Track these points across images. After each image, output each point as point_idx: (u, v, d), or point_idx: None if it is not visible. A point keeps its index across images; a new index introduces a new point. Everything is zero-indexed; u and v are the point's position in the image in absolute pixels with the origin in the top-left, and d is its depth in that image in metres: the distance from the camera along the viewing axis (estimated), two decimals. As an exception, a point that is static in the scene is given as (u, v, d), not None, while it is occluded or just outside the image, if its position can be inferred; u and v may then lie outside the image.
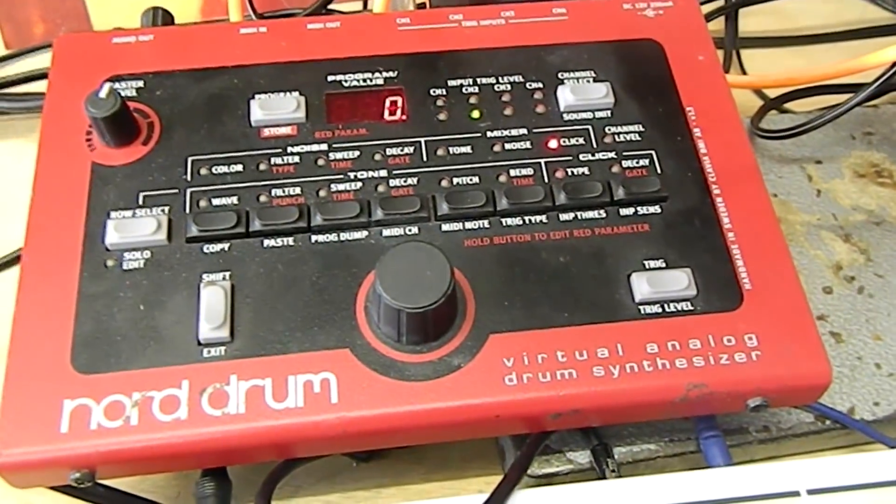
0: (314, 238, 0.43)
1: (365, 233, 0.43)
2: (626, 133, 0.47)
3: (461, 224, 0.44)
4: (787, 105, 0.64)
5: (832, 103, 0.58)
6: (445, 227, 0.44)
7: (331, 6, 0.64)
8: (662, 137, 0.47)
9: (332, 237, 0.43)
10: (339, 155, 0.46)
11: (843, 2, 0.75)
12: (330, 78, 0.48)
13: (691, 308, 0.42)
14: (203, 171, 0.45)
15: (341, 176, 0.45)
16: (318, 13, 0.62)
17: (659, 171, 0.46)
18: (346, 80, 0.48)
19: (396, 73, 0.48)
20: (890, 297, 0.53)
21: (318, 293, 0.42)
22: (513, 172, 0.45)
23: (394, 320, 0.39)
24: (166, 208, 0.44)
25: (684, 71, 0.49)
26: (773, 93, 0.65)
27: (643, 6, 0.51)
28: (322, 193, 0.44)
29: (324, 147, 0.46)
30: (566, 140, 0.47)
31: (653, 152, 0.46)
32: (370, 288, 0.41)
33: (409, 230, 0.44)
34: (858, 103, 0.55)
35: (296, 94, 0.47)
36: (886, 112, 0.63)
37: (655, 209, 0.45)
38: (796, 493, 0.40)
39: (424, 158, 0.46)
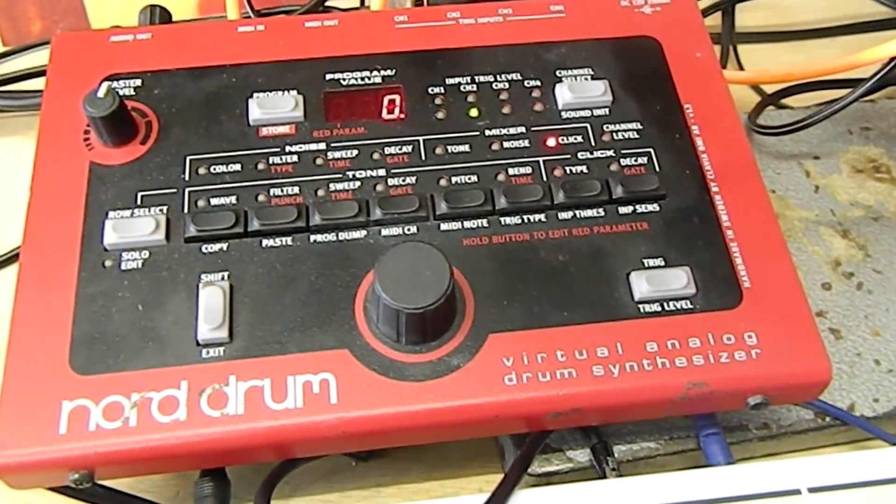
0: (313, 238, 0.43)
1: (364, 232, 0.43)
2: (625, 131, 0.47)
3: (460, 223, 0.44)
4: (785, 101, 0.64)
5: (830, 99, 0.58)
6: (444, 226, 0.44)
7: (328, 3, 0.64)
8: (661, 135, 0.47)
9: (331, 237, 0.43)
10: (337, 154, 0.45)
11: (841, -3, 0.75)
12: (328, 76, 0.48)
13: (691, 306, 0.42)
14: (201, 171, 0.45)
15: (340, 175, 0.45)
16: (316, 11, 0.62)
17: (657, 168, 0.46)
18: (344, 79, 0.48)
19: (394, 71, 0.48)
20: (889, 292, 0.53)
21: (317, 293, 0.42)
22: (511, 171, 0.45)
23: (393, 320, 0.39)
24: (164, 208, 0.44)
25: (682, 68, 0.49)
26: (770, 88, 0.65)
27: (641, 3, 0.51)
28: (321, 193, 0.44)
29: (322, 146, 0.46)
30: (564, 138, 0.47)
31: (651, 150, 0.46)
32: (369, 288, 0.41)
33: (408, 230, 0.43)
34: (856, 99, 0.55)
35: (294, 92, 0.47)
36: (884, 107, 0.63)
37: (654, 207, 0.45)
38: (797, 492, 0.40)
39: (423, 157, 0.46)
